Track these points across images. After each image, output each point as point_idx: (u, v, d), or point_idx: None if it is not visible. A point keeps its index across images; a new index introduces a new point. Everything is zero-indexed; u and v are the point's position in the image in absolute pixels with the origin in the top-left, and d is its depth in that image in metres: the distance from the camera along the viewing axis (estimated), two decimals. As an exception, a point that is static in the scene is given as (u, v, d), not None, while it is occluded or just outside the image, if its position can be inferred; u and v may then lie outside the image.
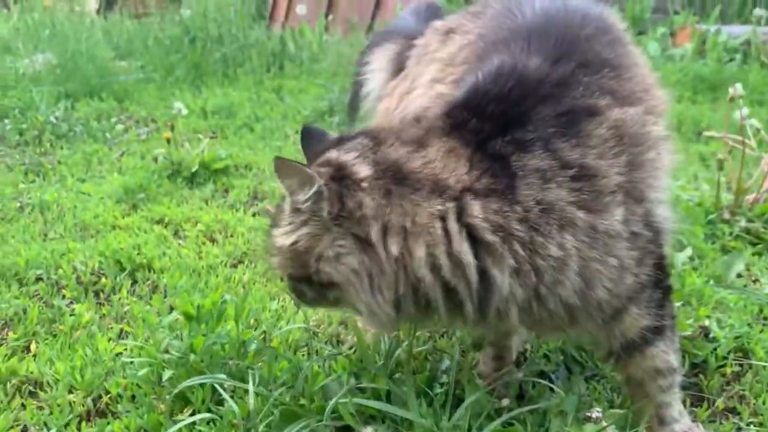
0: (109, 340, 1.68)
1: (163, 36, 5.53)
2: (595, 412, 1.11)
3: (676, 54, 5.29)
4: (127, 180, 2.83)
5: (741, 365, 1.59)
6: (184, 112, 3.14)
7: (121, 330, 1.75)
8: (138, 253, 2.17)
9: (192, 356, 1.37)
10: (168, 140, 2.96)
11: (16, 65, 4.97)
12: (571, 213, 1.05)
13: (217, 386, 1.30)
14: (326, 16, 6.69)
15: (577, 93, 1.12)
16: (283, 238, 1.10)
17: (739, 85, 2.27)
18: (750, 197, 2.36)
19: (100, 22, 6.77)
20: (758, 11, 5.41)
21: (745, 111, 2.33)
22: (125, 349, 1.60)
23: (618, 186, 1.08)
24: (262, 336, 1.59)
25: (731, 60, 5.02)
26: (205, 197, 2.75)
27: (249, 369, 1.39)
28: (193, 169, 2.92)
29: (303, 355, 1.54)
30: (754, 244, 2.22)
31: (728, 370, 1.56)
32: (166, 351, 1.43)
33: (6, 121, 3.80)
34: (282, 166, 1.06)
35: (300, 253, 1.08)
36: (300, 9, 6.29)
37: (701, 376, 1.55)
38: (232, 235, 2.35)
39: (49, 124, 3.69)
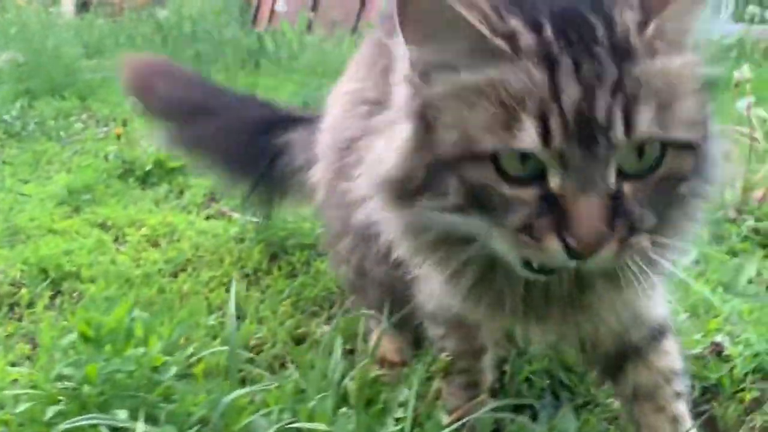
0: (13, 364, 1.41)
1: (136, 33, 5.30)
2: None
3: (667, 52, 5.13)
4: (72, 180, 2.56)
5: (762, 390, 1.32)
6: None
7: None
8: (68, 261, 1.90)
9: (86, 387, 1.10)
10: (119, 136, 2.70)
11: (-25, 63, 4.71)
12: None
13: (105, 429, 1.03)
14: (312, 12, 6.46)
15: None
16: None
17: (746, 68, 2.03)
18: (757, 194, 2.15)
19: (74, 22, 6.53)
20: (751, 9, 5.24)
21: (751, 99, 2.10)
22: (20, 377, 1.33)
23: None
24: (189, 359, 1.32)
25: (724, 59, 4.88)
26: (157, 198, 2.48)
27: (161, 404, 1.12)
28: (147, 168, 2.66)
29: (238, 383, 1.27)
30: (764, 246, 1.99)
31: (747, 396, 1.30)
32: (60, 380, 1.16)
33: (-48, 119, 3.53)
34: None
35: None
36: (280, 6, 6.04)
37: (714, 403, 1.30)
38: (178, 240, 2.09)
39: (2, 123, 3.42)
